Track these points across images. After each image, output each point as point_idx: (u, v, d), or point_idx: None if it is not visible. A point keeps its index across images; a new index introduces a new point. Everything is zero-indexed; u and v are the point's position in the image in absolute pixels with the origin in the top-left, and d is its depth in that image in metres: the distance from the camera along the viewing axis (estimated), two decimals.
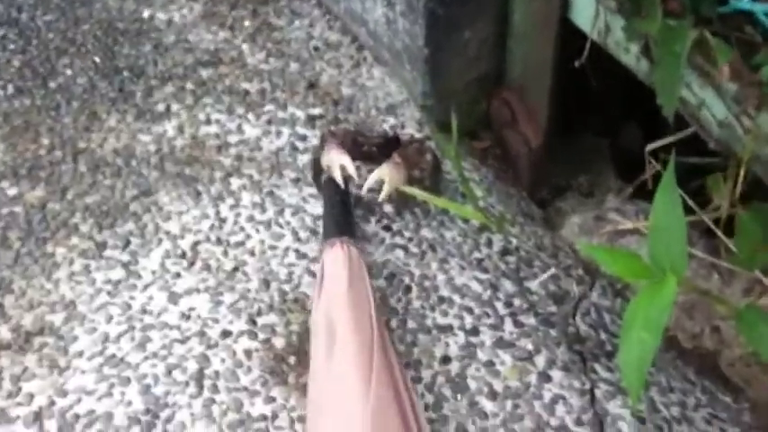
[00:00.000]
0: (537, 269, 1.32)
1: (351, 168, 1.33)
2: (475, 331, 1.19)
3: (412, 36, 1.50)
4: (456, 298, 1.23)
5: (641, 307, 0.97)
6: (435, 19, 1.42)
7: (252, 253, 1.32)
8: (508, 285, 1.27)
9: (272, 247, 1.33)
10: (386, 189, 1.30)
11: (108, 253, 1.33)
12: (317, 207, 1.39)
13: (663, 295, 0.96)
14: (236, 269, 1.29)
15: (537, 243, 1.40)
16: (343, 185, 1.32)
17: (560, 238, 1.49)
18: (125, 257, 1.32)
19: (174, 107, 1.61)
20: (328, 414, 1.04)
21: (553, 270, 1.28)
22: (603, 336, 1.23)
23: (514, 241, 1.36)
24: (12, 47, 1.78)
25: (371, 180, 1.32)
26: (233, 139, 1.53)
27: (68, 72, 1.71)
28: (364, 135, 1.41)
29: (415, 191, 1.23)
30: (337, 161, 1.33)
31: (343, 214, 1.32)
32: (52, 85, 1.67)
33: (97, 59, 1.74)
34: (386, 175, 1.31)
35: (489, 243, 1.34)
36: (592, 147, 1.73)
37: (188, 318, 1.22)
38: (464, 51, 1.50)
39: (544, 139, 1.49)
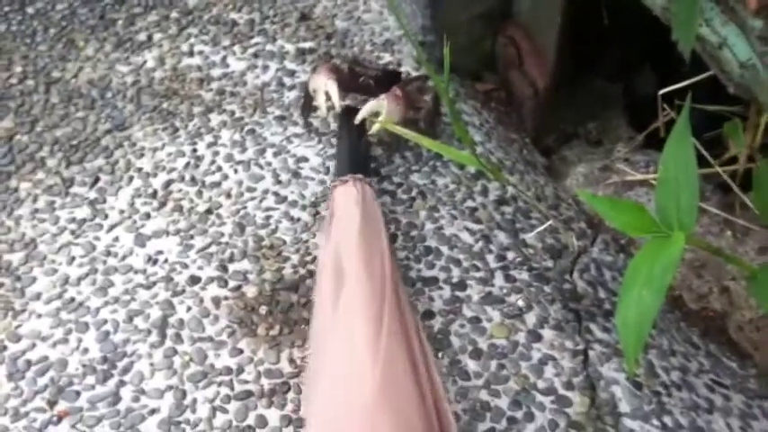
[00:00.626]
0: (535, 221, 1.22)
1: (335, 96, 1.23)
2: (462, 285, 1.10)
3: None
4: (444, 249, 1.14)
5: (644, 263, 0.88)
6: None
7: (228, 195, 1.22)
8: (502, 237, 1.17)
9: (250, 189, 1.23)
10: (379, 122, 1.19)
11: (75, 190, 1.24)
12: (300, 147, 1.29)
13: (669, 252, 0.86)
14: (209, 211, 1.20)
15: (537, 193, 1.29)
16: (356, 119, 1.21)
17: (563, 189, 1.38)
18: (92, 195, 1.23)
19: (157, 37, 1.51)
20: (332, 369, 0.93)
21: (551, 222, 1.18)
22: (602, 293, 1.14)
23: (512, 190, 1.26)
24: None
25: (366, 110, 1.21)
26: (216, 72, 1.43)
27: None
28: (362, 65, 1.30)
29: (407, 132, 1.13)
30: (323, 87, 1.23)
31: (358, 149, 1.21)
32: (30, 10, 1.57)
33: None
34: (383, 108, 1.20)
35: (485, 191, 1.24)
36: (603, 92, 1.61)
37: (155, 262, 1.14)
38: None
39: (551, 81, 1.38)
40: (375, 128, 1.20)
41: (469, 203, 1.21)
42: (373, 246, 1.03)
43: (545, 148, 1.50)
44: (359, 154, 1.21)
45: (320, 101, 1.24)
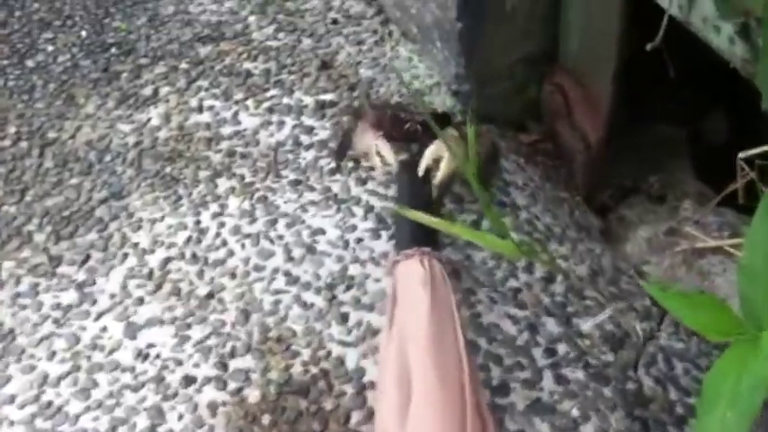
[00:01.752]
0: (590, 301, 1.04)
1: (389, 155, 1.12)
2: (504, 389, 0.92)
3: (443, 7, 1.22)
4: (482, 342, 0.96)
5: (727, 375, 0.71)
6: None
7: (232, 275, 1.07)
8: (551, 325, 0.99)
9: (258, 268, 1.07)
10: (444, 169, 1.06)
11: (62, 269, 1.10)
12: (317, 218, 1.13)
13: (758, 361, 0.69)
14: (210, 295, 1.04)
15: (592, 266, 1.11)
16: (422, 175, 1.07)
17: (623, 257, 1.20)
18: (81, 276, 1.09)
19: (163, 90, 1.37)
20: None
21: (609, 311, 1.00)
22: (673, 393, 0.95)
23: (563, 265, 1.08)
24: None
25: (428, 156, 1.07)
26: (226, 130, 1.28)
27: (50, 48, 1.48)
28: (407, 110, 1.17)
29: (431, 219, 0.92)
30: (374, 148, 1.12)
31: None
32: (30, 63, 1.45)
33: (84, 34, 1.51)
34: (444, 152, 1.06)
35: (530, 268, 1.06)
36: (665, 139, 1.42)
37: (145, 357, 0.98)
38: (508, 25, 1.21)
39: (605, 133, 1.20)
40: (440, 176, 1.07)
41: (512, 283, 1.04)
42: (446, 339, 0.84)
43: (600, 206, 1.31)
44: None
45: (375, 162, 1.13)
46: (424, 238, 0.96)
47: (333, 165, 1.19)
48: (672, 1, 0.92)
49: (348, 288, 1.03)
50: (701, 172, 1.36)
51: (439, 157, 1.07)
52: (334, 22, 1.47)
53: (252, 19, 1.49)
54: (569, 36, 1.21)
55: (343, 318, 1.00)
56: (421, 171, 1.07)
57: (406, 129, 1.14)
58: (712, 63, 0.96)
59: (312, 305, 1.02)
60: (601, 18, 1.09)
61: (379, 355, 0.91)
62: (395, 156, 1.12)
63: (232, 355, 0.97)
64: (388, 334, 0.87)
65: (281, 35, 1.45)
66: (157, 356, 0.98)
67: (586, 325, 0.99)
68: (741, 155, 0.99)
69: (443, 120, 1.15)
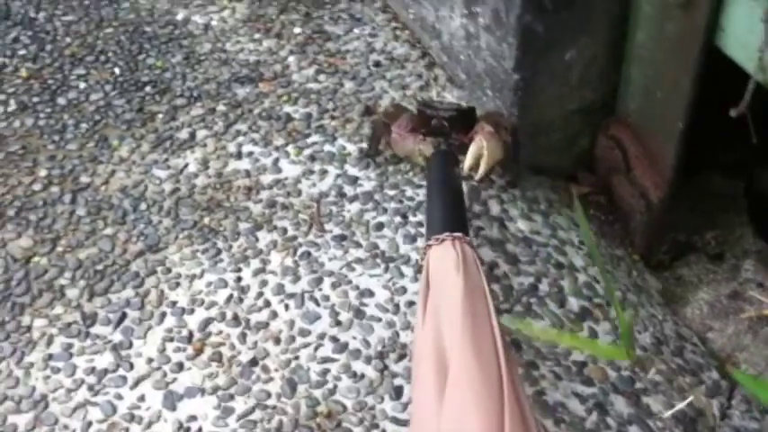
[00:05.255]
0: (658, 377, 0.97)
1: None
2: None
3: (498, 56, 1.16)
4: (549, 424, 0.90)
5: None
6: (531, 37, 1.08)
7: (276, 340, 1.01)
8: (621, 405, 0.92)
9: (303, 332, 1.01)
10: (484, 165, 1.12)
11: (96, 330, 1.04)
12: (364, 277, 1.07)
13: None
14: (254, 362, 0.98)
15: (656, 334, 1.05)
16: (454, 169, 1.11)
17: (684, 321, 1.13)
18: (117, 337, 1.03)
19: (200, 134, 1.31)
20: None
21: (690, 399, 0.93)
22: None
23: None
24: (22, 52, 1.51)
25: (471, 156, 1.12)
26: (267, 178, 1.22)
27: (82, 85, 1.43)
28: (433, 107, 1.18)
29: (532, 326, 0.92)
30: (416, 152, 1.16)
31: (455, 204, 1.03)
32: (61, 101, 1.40)
33: (117, 71, 1.45)
34: (483, 149, 1.11)
35: (593, 338, 1.00)
36: (721, 191, 1.35)
37: (186, 431, 0.92)
38: (565, 76, 1.16)
39: (668, 192, 1.13)
40: (481, 172, 1.12)
41: (576, 356, 0.97)
42: (480, 323, 0.80)
43: (656, 263, 1.25)
44: (454, 208, 1.02)
45: (419, 162, 1.17)
46: (454, 223, 0.96)
47: (379, 219, 1.13)
48: (758, 66, 0.86)
49: (400, 358, 0.97)
50: (760, 227, 1.30)
51: (480, 154, 1.11)
52: (377, 64, 1.41)
53: (291, 59, 1.44)
54: (630, 90, 1.15)
55: (397, 392, 0.94)
56: (466, 169, 1.12)
57: (432, 124, 1.16)
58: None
59: (363, 376, 0.96)
60: (670, 77, 1.04)
61: (412, 344, 0.88)
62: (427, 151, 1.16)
63: (278, 431, 0.91)
64: (422, 319, 0.84)
65: (321, 77, 1.40)
66: (199, 431, 0.92)
67: (657, 404, 0.93)
68: None
69: (469, 115, 1.17)
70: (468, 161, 1.12)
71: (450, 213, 0.99)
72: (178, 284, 1.09)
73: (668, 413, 0.90)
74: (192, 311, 1.05)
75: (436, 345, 0.79)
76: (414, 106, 1.24)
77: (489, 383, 0.74)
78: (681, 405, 0.91)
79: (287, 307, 1.04)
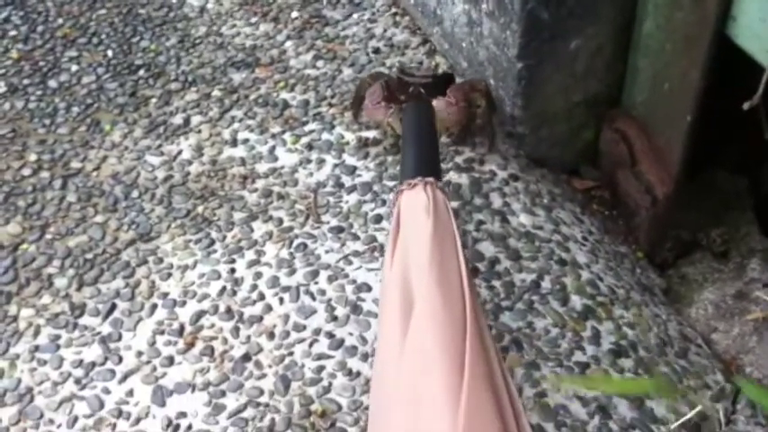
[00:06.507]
0: (662, 380, 0.95)
1: (398, 127, 1.12)
2: None
3: (501, 44, 1.13)
4: (549, 428, 0.87)
5: None
6: (536, 24, 1.05)
7: (270, 335, 0.98)
8: (623, 408, 0.90)
9: (298, 327, 0.98)
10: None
11: (85, 320, 1.01)
12: (361, 271, 1.04)
13: None
14: (247, 358, 0.96)
15: (660, 334, 1.02)
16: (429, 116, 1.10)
17: (687, 321, 1.11)
18: (106, 329, 1.00)
19: (195, 120, 1.28)
20: (402, 410, 0.71)
21: (699, 408, 0.90)
22: None
23: (629, 333, 0.99)
24: (13, 33, 1.48)
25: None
26: (262, 167, 1.19)
27: (74, 68, 1.39)
28: (410, 74, 1.18)
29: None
30: (385, 123, 1.15)
31: (428, 149, 1.01)
32: (52, 83, 1.36)
33: (110, 53, 1.42)
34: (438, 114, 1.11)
35: (596, 338, 0.97)
36: (726, 188, 1.33)
37: (176, 429, 0.89)
38: (570, 66, 1.12)
39: (675, 188, 1.11)
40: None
41: (579, 357, 0.95)
42: (448, 263, 0.80)
43: (660, 261, 1.22)
44: (427, 153, 1.00)
45: (386, 130, 1.18)
46: (427, 168, 0.95)
47: (378, 211, 1.10)
48: None
49: None
50: (765, 225, 1.27)
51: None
52: (377, 51, 1.38)
53: (289, 44, 1.40)
54: (636, 82, 1.12)
55: None
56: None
57: (410, 91, 1.16)
58: None
59: (358, 374, 0.93)
60: (679, 69, 1.00)
61: (381, 283, 0.87)
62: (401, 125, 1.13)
63: (270, 430, 0.88)
64: (390, 259, 0.84)
65: (319, 63, 1.36)
66: (189, 428, 0.89)
67: (662, 411, 0.90)
68: None
69: (446, 81, 1.19)
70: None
71: (423, 158, 0.99)
72: (170, 275, 1.06)
73: (675, 425, 0.88)
74: (183, 303, 1.02)
75: (403, 283, 0.79)
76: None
77: (452, 318, 0.74)
78: (689, 414, 0.88)
79: (281, 300, 1.02)
